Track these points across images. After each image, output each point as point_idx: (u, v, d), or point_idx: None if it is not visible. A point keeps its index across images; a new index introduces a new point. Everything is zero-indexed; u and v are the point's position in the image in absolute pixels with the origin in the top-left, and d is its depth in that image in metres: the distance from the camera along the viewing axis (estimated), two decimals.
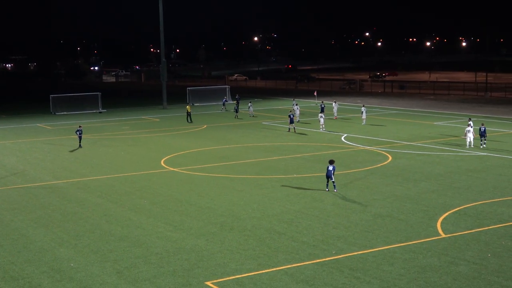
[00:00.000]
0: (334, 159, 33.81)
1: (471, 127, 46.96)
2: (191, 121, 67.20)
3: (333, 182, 33.00)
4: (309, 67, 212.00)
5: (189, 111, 68.60)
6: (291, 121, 57.90)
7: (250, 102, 75.68)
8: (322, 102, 69.42)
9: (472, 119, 53.13)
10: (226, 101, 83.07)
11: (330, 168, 32.62)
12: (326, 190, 33.17)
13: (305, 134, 56.13)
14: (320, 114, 59.86)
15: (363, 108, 63.55)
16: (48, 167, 42.72)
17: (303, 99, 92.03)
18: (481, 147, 45.99)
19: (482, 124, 47.48)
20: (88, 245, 25.22)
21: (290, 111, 61.78)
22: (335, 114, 68.07)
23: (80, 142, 50.56)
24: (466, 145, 46.42)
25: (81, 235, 26.52)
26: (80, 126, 52.24)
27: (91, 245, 25.20)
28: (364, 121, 62.24)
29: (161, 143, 52.78)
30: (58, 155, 47.65)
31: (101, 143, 51.97)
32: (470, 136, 46.14)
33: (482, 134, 46.29)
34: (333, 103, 69.85)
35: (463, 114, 68.20)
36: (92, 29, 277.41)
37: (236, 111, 71.51)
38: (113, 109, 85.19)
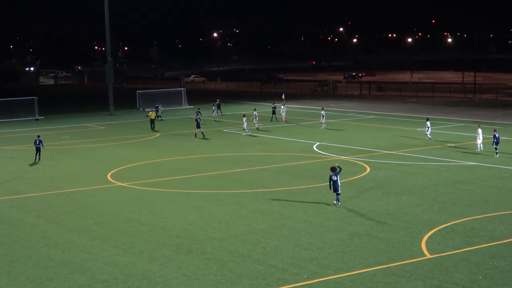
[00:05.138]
0: (335, 166, 33.50)
1: (429, 127, 54.61)
2: (155, 129, 66.68)
3: (338, 194, 33.07)
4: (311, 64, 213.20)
5: (152, 117, 68.12)
6: (198, 126, 60.65)
7: (214, 106, 75.94)
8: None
9: (478, 125, 54.04)
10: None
11: (335, 178, 32.58)
12: (339, 205, 33.19)
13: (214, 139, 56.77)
14: (244, 118, 62.37)
15: (322, 112, 66.04)
16: None
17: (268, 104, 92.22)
18: (496, 155, 47.15)
19: (495, 130, 48.33)
20: (23, 272, 24.89)
21: (197, 115, 63.44)
22: (283, 119, 71.74)
23: (39, 154, 49.51)
24: (477, 149, 48.61)
25: (15, 261, 26.18)
26: (38, 136, 51.47)
27: (27, 272, 24.88)
28: (323, 125, 64.72)
29: (107, 154, 52.44)
30: None
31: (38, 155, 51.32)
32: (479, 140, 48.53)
33: (496, 142, 47.21)
34: (282, 106, 73.31)
35: (449, 119, 68.92)
36: (27, 24, 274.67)
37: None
38: (51, 115, 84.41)
